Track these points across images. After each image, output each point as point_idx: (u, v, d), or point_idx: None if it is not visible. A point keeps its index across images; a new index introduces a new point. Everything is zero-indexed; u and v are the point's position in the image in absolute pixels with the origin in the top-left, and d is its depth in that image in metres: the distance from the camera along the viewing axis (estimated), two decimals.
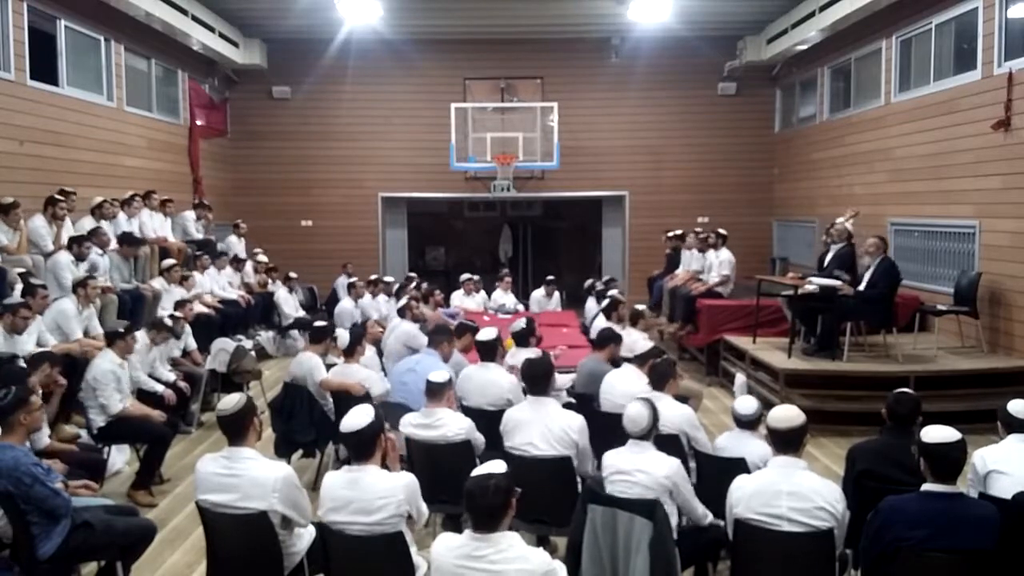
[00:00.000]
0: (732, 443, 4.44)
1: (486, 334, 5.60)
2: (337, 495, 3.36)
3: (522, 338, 6.18)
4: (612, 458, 3.79)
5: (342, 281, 11.98)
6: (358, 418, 3.44)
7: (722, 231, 10.62)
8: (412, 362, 5.87)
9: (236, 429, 3.53)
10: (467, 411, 5.14)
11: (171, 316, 7.43)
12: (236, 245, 11.79)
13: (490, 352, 5.50)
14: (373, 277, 11.08)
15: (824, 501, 3.32)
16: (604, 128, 13.91)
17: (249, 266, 11.29)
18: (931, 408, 4.88)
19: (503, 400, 5.14)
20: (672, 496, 3.68)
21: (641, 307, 7.80)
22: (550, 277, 11.69)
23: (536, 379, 4.58)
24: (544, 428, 4.34)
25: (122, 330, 6.07)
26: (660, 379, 4.85)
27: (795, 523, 3.31)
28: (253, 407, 3.61)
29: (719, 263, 10.22)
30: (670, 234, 11.95)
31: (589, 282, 10.79)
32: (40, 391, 5.04)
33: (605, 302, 7.83)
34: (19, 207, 7.19)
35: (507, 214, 17.19)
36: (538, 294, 11.39)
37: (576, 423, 4.38)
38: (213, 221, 11.50)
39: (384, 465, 3.50)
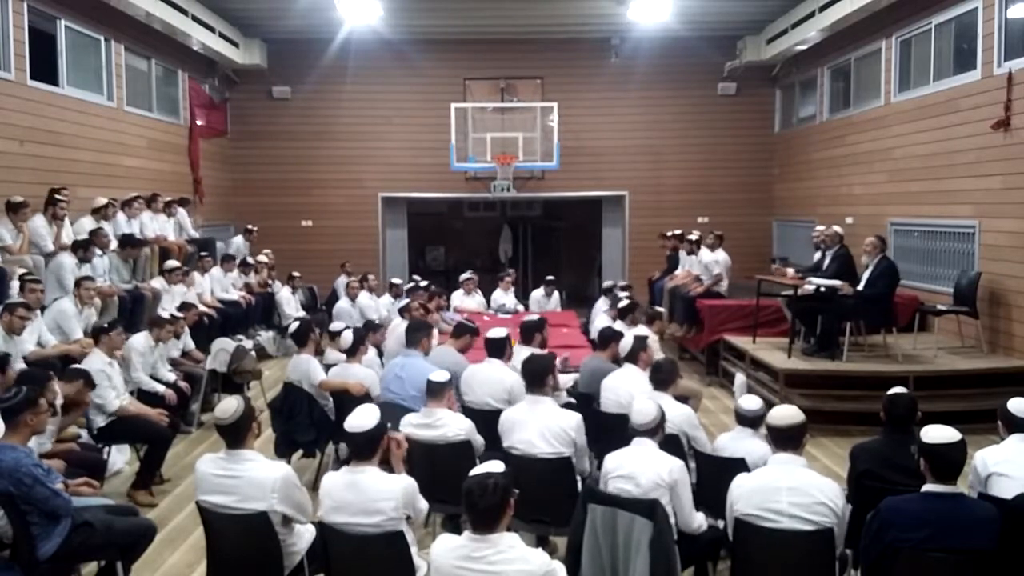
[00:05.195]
0: (732, 443, 4.43)
1: (496, 332, 5.63)
2: (336, 496, 3.37)
3: (528, 332, 6.15)
4: (614, 459, 3.78)
5: (342, 281, 11.97)
6: (364, 419, 3.46)
7: (692, 236, 10.73)
8: (397, 367, 5.76)
9: (235, 435, 3.52)
10: (469, 411, 5.15)
11: (172, 316, 7.42)
12: (243, 248, 11.85)
13: (498, 350, 5.51)
14: (360, 277, 11.01)
15: (825, 497, 3.33)
16: (604, 128, 13.90)
17: None
18: (931, 408, 4.89)
19: (504, 393, 5.16)
20: (671, 496, 3.67)
21: (661, 309, 7.82)
22: (550, 277, 11.68)
23: (534, 375, 4.60)
24: (542, 426, 4.35)
25: (106, 326, 6.01)
26: (665, 380, 4.86)
27: (796, 519, 3.31)
28: (251, 412, 3.59)
29: (705, 265, 10.26)
30: (669, 234, 11.94)
31: (608, 283, 10.75)
32: (63, 400, 5.04)
33: (622, 303, 7.81)
34: (28, 207, 7.19)
35: (507, 214, 17.19)
36: (537, 294, 11.38)
37: (573, 421, 4.40)
38: (210, 220, 11.50)
39: (388, 466, 3.52)
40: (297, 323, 6.74)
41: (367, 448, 3.44)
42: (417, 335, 5.95)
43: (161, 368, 6.89)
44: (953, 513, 3.15)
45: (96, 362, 5.74)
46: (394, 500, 3.33)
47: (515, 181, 13.00)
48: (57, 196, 7.72)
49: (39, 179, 8.21)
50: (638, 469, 3.66)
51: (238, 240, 12.26)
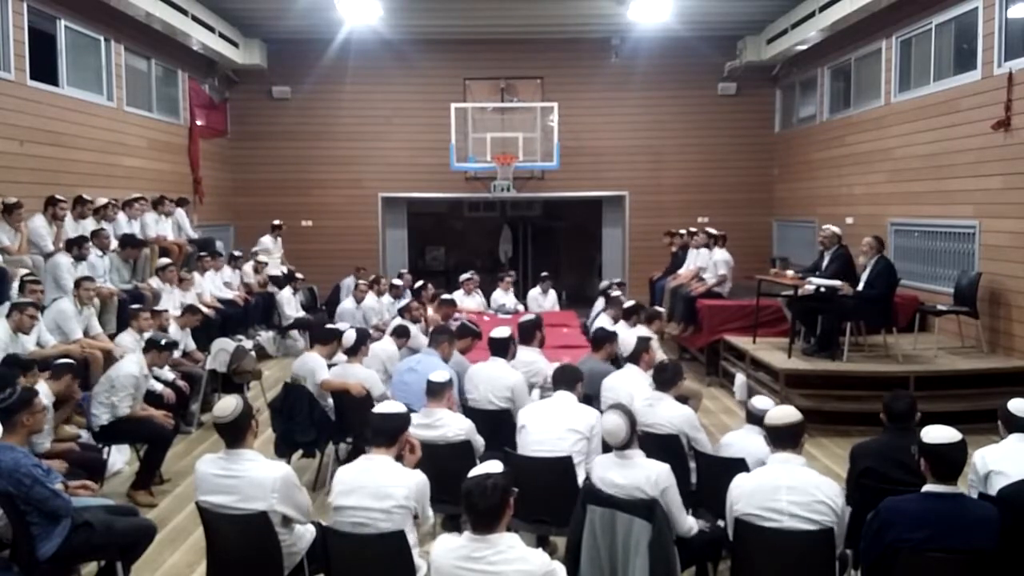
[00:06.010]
0: (739, 441, 4.45)
1: (500, 332, 5.68)
2: (349, 480, 3.44)
3: (527, 332, 6.17)
4: (601, 471, 3.70)
5: (348, 282, 11.97)
6: (393, 407, 3.68)
7: (711, 230, 10.70)
8: (413, 362, 5.88)
9: (234, 434, 3.53)
10: (470, 411, 5.17)
11: (152, 310, 7.38)
12: (271, 246, 11.95)
13: (502, 349, 5.56)
14: (373, 277, 11.03)
15: (824, 495, 3.33)
16: (604, 128, 13.90)
17: (249, 266, 11.30)
18: (931, 408, 4.89)
19: (507, 391, 5.21)
20: (661, 500, 3.63)
21: (661, 309, 7.86)
22: (544, 274, 11.65)
23: (568, 380, 4.70)
24: (564, 415, 4.42)
25: (163, 343, 6.13)
26: (669, 381, 4.86)
27: (796, 517, 3.31)
28: (249, 410, 3.59)
29: (713, 263, 10.25)
30: (682, 231, 11.88)
31: (604, 283, 10.74)
32: (54, 398, 5.05)
33: (627, 304, 7.79)
34: (23, 207, 7.19)
35: (507, 214, 17.18)
36: (534, 292, 11.36)
37: (594, 415, 4.46)
38: (209, 220, 11.50)
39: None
40: (332, 325, 7.11)
41: (388, 436, 3.54)
42: (440, 338, 6.06)
43: None
44: (953, 513, 3.15)
45: (133, 368, 5.77)
46: (406, 488, 3.38)
47: (515, 181, 13.00)
48: (58, 197, 7.72)
49: (39, 179, 8.21)
50: (628, 487, 3.58)
51: (266, 239, 12.26)
